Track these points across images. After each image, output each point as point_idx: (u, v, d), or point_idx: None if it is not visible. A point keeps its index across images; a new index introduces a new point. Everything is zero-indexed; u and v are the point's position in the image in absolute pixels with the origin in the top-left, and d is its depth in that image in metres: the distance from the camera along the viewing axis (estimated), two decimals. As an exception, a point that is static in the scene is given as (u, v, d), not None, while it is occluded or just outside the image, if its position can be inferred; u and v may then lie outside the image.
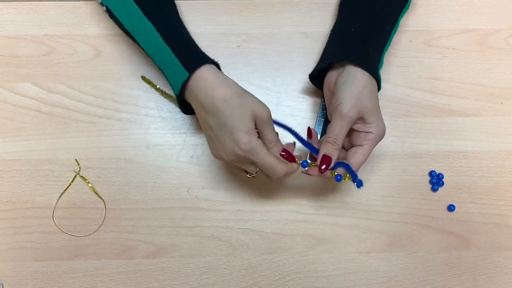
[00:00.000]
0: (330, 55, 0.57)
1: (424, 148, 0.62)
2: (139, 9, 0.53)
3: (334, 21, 0.62)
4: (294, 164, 0.51)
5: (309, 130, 0.54)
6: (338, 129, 0.50)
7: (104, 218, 0.59)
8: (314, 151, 0.51)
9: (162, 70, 0.53)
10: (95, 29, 0.64)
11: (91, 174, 0.60)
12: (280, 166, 0.48)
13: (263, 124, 0.48)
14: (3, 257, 0.57)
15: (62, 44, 0.63)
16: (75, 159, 0.60)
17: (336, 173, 0.51)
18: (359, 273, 0.59)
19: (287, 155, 0.50)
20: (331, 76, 0.54)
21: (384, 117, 0.62)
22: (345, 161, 0.51)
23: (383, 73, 0.63)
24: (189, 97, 0.51)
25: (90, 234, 0.58)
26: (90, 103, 0.61)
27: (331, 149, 0.50)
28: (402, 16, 0.58)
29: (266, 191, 0.60)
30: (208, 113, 0.49)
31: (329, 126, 0.51)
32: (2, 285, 0.57)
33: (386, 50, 0.56)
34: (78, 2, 0.64)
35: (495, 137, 0.63)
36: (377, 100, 0.52)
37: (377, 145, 0.61)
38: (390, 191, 0.61)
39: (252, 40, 0.64)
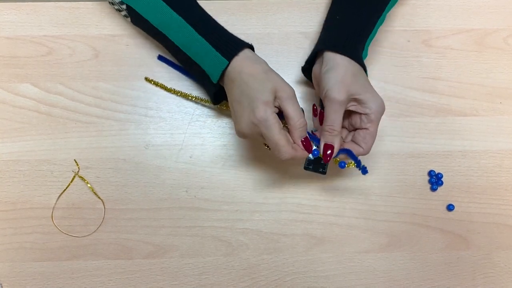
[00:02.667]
0: (316, 46, 0.58)
1: (423, 148, 0.62)
2: (165, 4, 0.54)
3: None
4: (304, 153, 0.50)
5: (313, 107, 0.55)
6: (332, 115, 0.50)
7: (103, 219, 0.59)
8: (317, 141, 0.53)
9: (195, 61, 0.54)
10: (94, 29, 0.64)
11: (90, 174, 0.60)
12: (286, 148, 0.48)
13: (285, 101, 0.49)
14: (2, 257, 0.57)
15: (61, 45, 0.63)
16: (74, 160, 0.60)
17: (339, 160, 0.52)
18: (358, 273, 0.59)
19: (307, 144, 0.50)
20: (316, 68, 0.55)
21: (382, 117, 0.62)
22: (352, 145, 0.52)
23: (383, 72, 0.64)
24: (224, 80, 0.53)
25: (89, 234, 0.58)
26: (89, 104, 0.61)
27: (330, 137, 0.50)
28: (390, 8, 0.59)
29: (265, 191, 0.60)
30: (236, 86, 0.50)
31: (324, 115, 0.51)
32: (1, 286, 0.57)
33: (370, 40, 0.57)
34: (77, 2, 0.65)
35: (494, 136, 0.63)
36: (364, 79, 0.52)
37: (376, 145, 0.61)
38: (389, 190, 0.61)
39: (251, 40, 0.64)
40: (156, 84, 0.62)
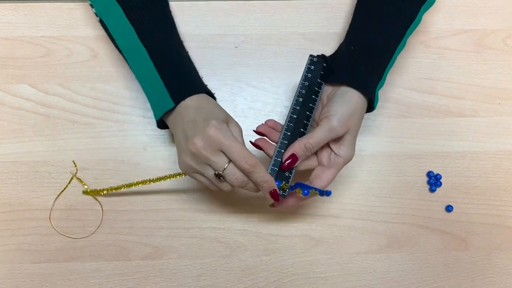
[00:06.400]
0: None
1: (422, 149, 0.62)
2: (133, 30, 0.52)
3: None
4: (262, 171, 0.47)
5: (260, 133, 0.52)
6: (320, 139, 0.48)
7: (101, 220, 0.58)
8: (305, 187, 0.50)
9: (145, 92, 0.53)
10: (92, 30, 0.63)
11: (88, 175, 0.59)
12: (250, 154, 0.46)
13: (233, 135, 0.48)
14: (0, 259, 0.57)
15: (59, 46, 0.63)
16: (72, 161, 0.60)
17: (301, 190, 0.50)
18: (357, 274, 0.59)
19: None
20: (325, 87, 0.53)
21: (382, 118, 0.63)
22: (307, 183, 0.50)
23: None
24: (168, 118, 0.51)
25: (87, 236, 0.58)
26: (87, 105, 0.61)
27: (302, 153, 0.49)
28: (410, 34, 0.55)
29: (263, 192, 0.60)
30: (190, 110, 0.48)
31: (312, 131, 0.49)
32: (-1, 288, 0.57)
33: (390, 68, 0.54)
34: (74, 3, 0.64)
35: (493, 137, 0.63)
36: (360, 124, 0.51)
37: (375, 145, 0.62)
38: (388, 191, 0.61)
39: (249, 41, 0.64)
40: (96, 193, 0.58)
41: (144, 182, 0.54)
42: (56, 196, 0.59)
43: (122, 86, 0.62)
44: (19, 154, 0.60)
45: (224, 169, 0.46)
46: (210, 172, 0.47)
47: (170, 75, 0.51)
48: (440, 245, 0.60)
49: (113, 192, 0.57)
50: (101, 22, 0.55)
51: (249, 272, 0.58)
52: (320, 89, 0.52)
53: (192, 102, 0.49)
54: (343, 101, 0.50)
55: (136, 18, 0.52)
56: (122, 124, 0.61)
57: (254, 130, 0.51)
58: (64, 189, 0.59)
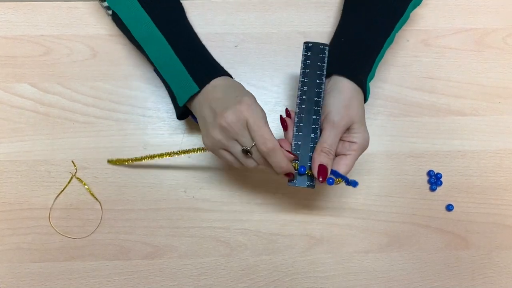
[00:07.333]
0: None
1: (422, 148, 0.62)
2: (149, 18, 0.52)
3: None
4: (287, 156, 0.47)
5: (287, 111, 0.52)
6: (331, 138, 0.49)
7: (101, 219, 0.58)
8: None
9: (166, 80, 0.53)
10: (92, 29, 0.63)
11: (88, 174, 0.59)
12: (270, 137, 0.45)
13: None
14: (-1, 258, 0.57)
15: (59, 44, 0.63)
16: (72, 161, 0.59)
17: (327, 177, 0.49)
18: (357, 273, 0.59)
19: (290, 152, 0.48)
20: None
21: (381, 117, 0.63)
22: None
23: (382, 71, 0.63)
24: (191, 102, 0.51)
25: (88, 235, 0.58)
26: (87, 104, 0.61)
27: (327, 159, 0.48)
28: (399, 29, 0.57)
29: (264, 191, 0.60)
30: (218, 89, 0.49)
31: (322, 136, 0.49)
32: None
33: (379, 62, 0.55)
34: (74, 2, 0.64)
35: (493, 136, 0.63)
36: (363, 110, 0.51)
37: (375, 144, 0.62)
38: (388, 191, 0.61)
39: (249, 40, 0.64)
40: (121, 162, 0.59)
41: (168, 154, 0.54)
42: (56, 195, 0.59)
43: (122, 85, 0.62)
44: (19, 153, 0.59)
45: (253, 146, 0.46)
46: (237, 148, 0.47)
47: (191, 60, 0.51)
48: (441, 244, 0.60)
49: (135, 163, 0.59)
50: (114, 15, 0.55)
51: (249, 271, 0.58)
52: (322, 72, 0.52)
53: (219, 82, 0.50)
54: (336, 92, 0.50)
55: (150, 6, 0.53)
56: (122, 123, 0.61)
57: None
58: (64, 188, 0.59)
